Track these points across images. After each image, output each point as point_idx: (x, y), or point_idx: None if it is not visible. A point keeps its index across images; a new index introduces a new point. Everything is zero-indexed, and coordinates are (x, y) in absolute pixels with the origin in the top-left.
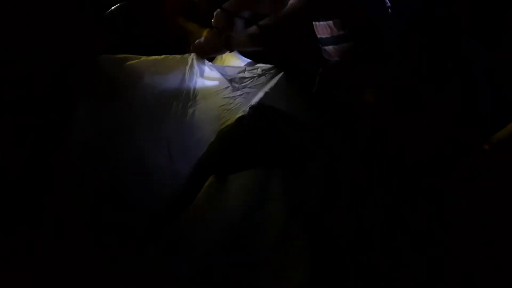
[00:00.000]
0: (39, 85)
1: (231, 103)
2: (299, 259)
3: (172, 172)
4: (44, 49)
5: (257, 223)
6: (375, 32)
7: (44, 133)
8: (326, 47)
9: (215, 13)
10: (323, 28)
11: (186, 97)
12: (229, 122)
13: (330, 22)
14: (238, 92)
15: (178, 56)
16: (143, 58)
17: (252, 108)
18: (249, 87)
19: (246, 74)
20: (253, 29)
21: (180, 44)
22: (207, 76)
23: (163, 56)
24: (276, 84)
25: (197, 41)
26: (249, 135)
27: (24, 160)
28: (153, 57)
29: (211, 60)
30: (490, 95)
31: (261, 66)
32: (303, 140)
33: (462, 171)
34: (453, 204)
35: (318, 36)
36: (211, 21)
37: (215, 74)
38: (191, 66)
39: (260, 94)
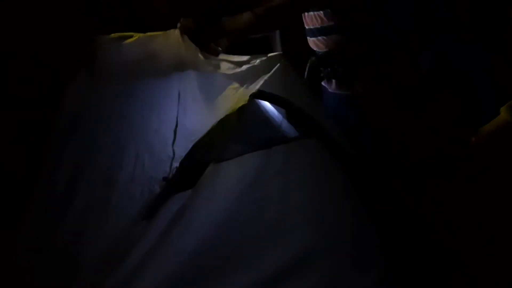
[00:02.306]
0: (38, 81)
1: (232, 94)
2: (296, 238)
3: (166, 153)
4: (40, 43)
5: (254, 203)
6: (376, 32)
7: (44, 130)
8: (315, 38)
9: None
10: (312, 18)
11: (184, 83)
12: (231, 111)
13: (321, 12)
14: (238, 83)
15: (174, 31)
16: (137, 35)
17: (253, 95)
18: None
19: (244, 66)
20: (247, 15)
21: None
22: (204, 68)
23: (159, 32)
24: (274, 73)
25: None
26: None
27: (23, 157)
28: (149, 34)
29: None
30: (490, 95)
31: (258, 56)
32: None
33: (463, 172)
34: (454, 204)
35: (308, 27)
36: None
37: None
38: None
39: (260, 82)
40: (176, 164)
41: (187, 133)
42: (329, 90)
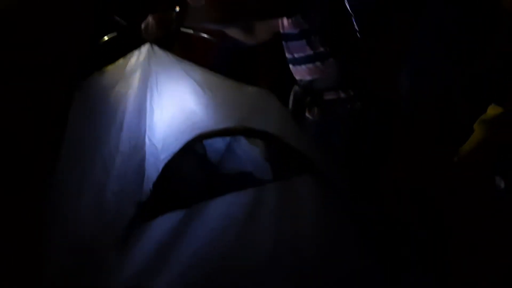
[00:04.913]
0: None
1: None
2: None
3: (137, 175)
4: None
5: (246, 240)
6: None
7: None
8: (298, 66)
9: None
10: (295, 47)
11: (152, 100)
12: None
13: (303, 41)
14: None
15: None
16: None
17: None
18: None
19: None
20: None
21: None
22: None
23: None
24: (264, 108)
25: (143, 23)
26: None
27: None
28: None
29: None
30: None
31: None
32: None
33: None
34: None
35: (292, 56)
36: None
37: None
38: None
39: (250, 116)
40: (147, 186)
41: (156, 151)
42: (311, 118)
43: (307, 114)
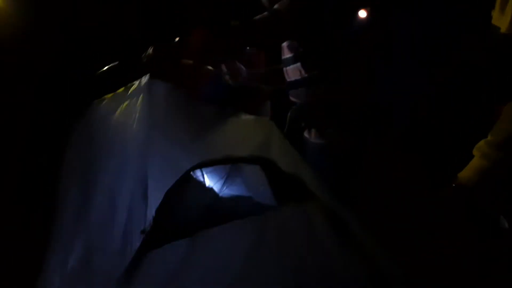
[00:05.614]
0: None
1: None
2: None
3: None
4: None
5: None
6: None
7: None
8: (295, 90)
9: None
10: (293, 71)
11: (154, 131)
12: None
13: (298, 64)
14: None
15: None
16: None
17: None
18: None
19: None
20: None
21: None
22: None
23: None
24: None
25: (144, 54)
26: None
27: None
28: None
29: None
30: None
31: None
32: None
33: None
34: None
35: (289, 80)
36: None
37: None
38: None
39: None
40: (151, 214)
41: (158, 180)
42: (310, 140)
43: (305, 134)
